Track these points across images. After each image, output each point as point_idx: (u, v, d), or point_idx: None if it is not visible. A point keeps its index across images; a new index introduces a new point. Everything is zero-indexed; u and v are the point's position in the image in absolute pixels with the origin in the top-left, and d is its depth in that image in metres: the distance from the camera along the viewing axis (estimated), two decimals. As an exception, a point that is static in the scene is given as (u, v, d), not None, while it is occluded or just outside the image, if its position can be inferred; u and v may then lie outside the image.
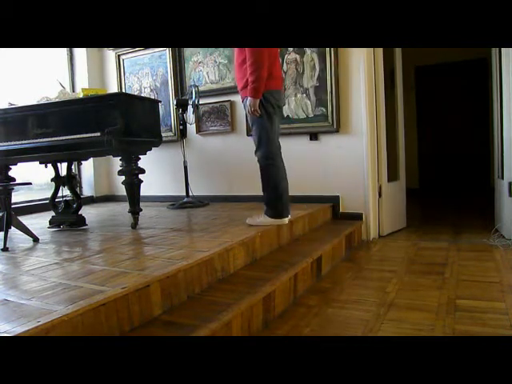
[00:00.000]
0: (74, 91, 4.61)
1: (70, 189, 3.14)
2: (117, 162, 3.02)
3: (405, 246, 3.24)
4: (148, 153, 3.06)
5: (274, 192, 2.63)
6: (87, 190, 4.86)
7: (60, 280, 1.72)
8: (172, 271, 1.78)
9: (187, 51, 4.26)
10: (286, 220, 2.68)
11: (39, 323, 1.25)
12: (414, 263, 2.79)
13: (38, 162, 3.18)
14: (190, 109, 3.94)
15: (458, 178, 6.30)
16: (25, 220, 2.80)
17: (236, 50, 2.65)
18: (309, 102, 3.66)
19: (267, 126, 2.60)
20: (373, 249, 3.27)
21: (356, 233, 3.40)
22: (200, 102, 4.01)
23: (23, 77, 4.23)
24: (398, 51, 3.78)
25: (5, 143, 2.90)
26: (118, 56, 4.67)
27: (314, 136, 3.68)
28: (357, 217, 3.53)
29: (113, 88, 4.75)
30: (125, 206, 3.44)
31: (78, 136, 2.71)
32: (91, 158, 4.32)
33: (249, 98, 2.53)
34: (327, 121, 3.59)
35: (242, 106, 2.77)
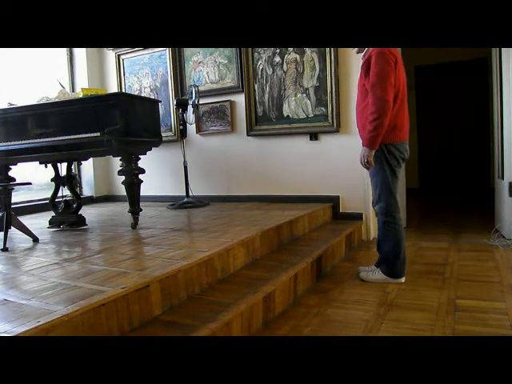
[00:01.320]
0: (73, 91, 4.61)
1: (69, 189, 3.14)
2: (117, 162, 3.02)
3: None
4: (148, 153, 3.06)
5: (393, 250, 2.40)
6: (87, 190, 4.86)
7: (60, 280, 1.72)
8: (172, 271, 1.78)
9: (187, 51, 4.26)
10: (403, 280, 2.43)
11: (39, 323, 1.25)
12: (413, 263, 2.79)
13: (37, 162, 3.18)
14: (190, 109, 3.94)
15: (458, 178, 6.30)
16: (25, 220, 2.80)
17: (358, 93, 2.47)
18: (309, 101, 3.66)
19: (389, 181, 2.36)
20: (373, 249, 3.25)
21: (356, 233, 3.40)
22: (200, 102, 4.01)
23: (23, 77, 4.23)
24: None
25: (5, 143, 2.90)
26: (118, 56, 4.67)
27: (314, 136, 3.68)
28: (357, 217, 3.53)
29: (113, 88, 4.75)
30: (125, 206, 3.44)
31: (77, 136, 2.71)
32: (91, 158, 4.32)
33: (364, 148, 2.31)
34: (327, 121, 3.59)
35: None
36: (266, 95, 3.85)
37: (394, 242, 2.40)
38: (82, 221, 3.04)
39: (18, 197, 4.01)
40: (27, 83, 4.19)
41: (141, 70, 4.58)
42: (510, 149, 3.11)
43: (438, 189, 6.37)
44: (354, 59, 3.45)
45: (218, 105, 4.13)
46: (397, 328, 1.82)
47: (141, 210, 2.93)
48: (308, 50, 3.63)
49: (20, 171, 3.24)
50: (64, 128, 2.78)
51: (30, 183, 2.97)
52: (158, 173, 4.47)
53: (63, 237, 2.76)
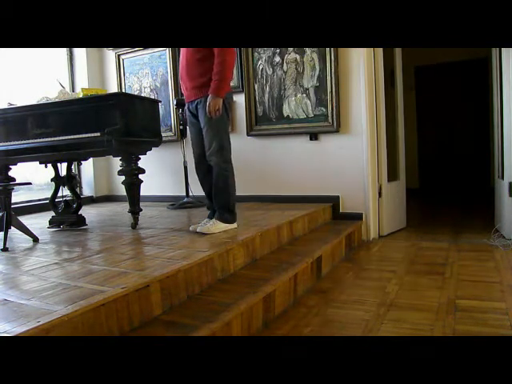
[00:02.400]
0: (73, 91, 4.61)
1: (69, 189, 3.14)
2: (117, 162, 3.02)
3: (405, 246, 3.24)
4: (148, 153, 3.06)
5: (233, 197, 2.58)
6: (87, 190, 4.86)
7: (60, 280, 1.72)
8: (172, 271, 1.78)
9: (187, 51, 4.26)
10: (236, 225, 2.63)
11: (39, 323, 1.25)
12: (413, 263, 2.79)
13: (38, 162, 3.18)
14: (190, 109, 3.93)
15: (458, 178, 6.29)
16: (25, 220, 2.80)
17: (187, 54, 2.50)
18: (309, 101, 3.66)
19: (226, 129, 2.55)
20: (373, 249, 3.26)
21: (356, 233, 3.40)
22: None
23: (23, 77, 4.23)
24: (397, 51, 3.78)
25: (5, 143, 2.90)
26: (118, 56, 4.67)
27: (313, 136, 3.68)
28: (357, 217, 3.53)
29: (113, 88, 4.75)
30: (125, 206, 3.44)
31: (77, 136, 2.71)
32: (91, 158, 4.32)
33: (212, 97, 2.38)
34: (327, 121, 3.59)
35: (189, 108, 2.61)
36: (266, 95, 3.85)
37: (232, 188, 2.58)
38: (81, 221, 3.04)
39: (18, 197, 4.01)
40: (27, 83, 4.19)
41: (141, 70, 4.58)
42: (510, 149, 3.11)
43: (438, 189, 6.36)
44: (354, 59, 3.45)
45: (218, 105, 4.12)
46: (397, 328, 1.82)
47: (141, 209, 2.93)
48: (308, 50, 3.63)
49: (20, 171, 3.24)
50: (64, 128, 2.78)
51: (30, 183, 2.97)
52: (158, 173, 4.47)
53: (63, 237, 2.76)
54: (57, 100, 2.95)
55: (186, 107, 2.69)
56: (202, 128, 2.53)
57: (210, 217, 2.66)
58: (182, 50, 2.58)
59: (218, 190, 2.57)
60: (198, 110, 2.52)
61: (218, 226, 2.53)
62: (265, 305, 1.92)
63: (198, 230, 2.56)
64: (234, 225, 2.62)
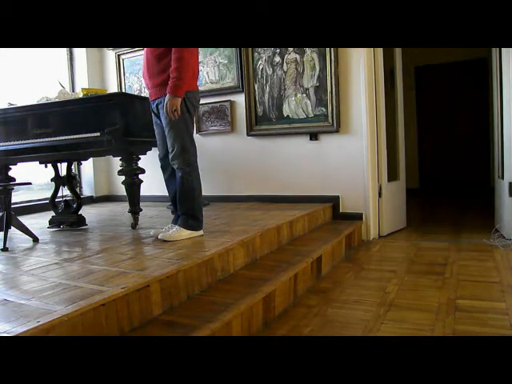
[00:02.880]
0: (73, 91, 4.61)
1: (69, 189, 3.14)
2: (117, 162, 3.02)
3: (405, 246, 3.24)
4: (148, 153, 3.06)
5: (198, 202, 2.42)
6: (87, 190, 4.86)
7: (60, 280, 1.72)
8: (172, 271, 1.78)
9: (187, 51, 4.26)
10: (202, 232, 2.48)
11: (39, 323, 1.25)
12: (413, 263, 2.79)
13: (37, 162, 3.18)
14: (190, 109, 3.93)
15: (458, 178, 6.29)
16: (25, 220, 2.80)
17: (149, 53, 2.40)
18: (309, 101, 3.66)
19: (189, 130, 2.39)
20: (373, 249, 3.26)
21: (356, 233, 3.40)
22: (200, 102, 4.00)
23: (23, 77, 4.23)
24: (397, 51, 3.78)
25: (5, 143, 2.90)
26: (118, 56, 4.67)
27: (313, 136, 3.68)
28: (357, 217, 3.53)
29: (113, 88, 4.75)
30: (125, 206, 3.44)
31: (77, 136, 2.71)
32: (91, 158, 4.31)
33: (168, 97, 2.24)
34: (327, 121, 3.59)
35: (151, 107, 2.47)
36: (266, 95, 3.85)
37: (198, 192, 2.42)
38: (81, 221, 3.04)
39: (18, 197, 4.01)
40: (27, 83, 4.19)
41: (141, 70, 4.57)
42: (510, 149, 3.11)
43: (438, 189, 6.36)
44: (354, 59, 3.45)
45: (217, 105, 4.13)
46: (397, 328, 1.82)
47: (141, 209, 2.93)
48: (308, 50, 3.63)
49: (20, 171, 3.24)
50: (64, 128, 2.78)
51: (30, 183, 2.97)
52: (158, 173, 4.45)
53: (63, 237, 2.76)
54: (57, 100, 2.95)
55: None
56: (164, 129, 2.41)
57: (174, 222, 2.51)
58: (145, 49, 2.46)
59: (181, 195, 2.43)
60: (159, 110, 2.39)
61: (180, 234, 2.39)
62: (265, 305, 1.92)
63: (159, 237, 2.41)
64: (200, 232, 2.46)
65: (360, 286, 2.42)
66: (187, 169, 2.39)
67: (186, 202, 2.42)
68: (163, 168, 2.63)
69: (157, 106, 2.41)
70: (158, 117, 2.46)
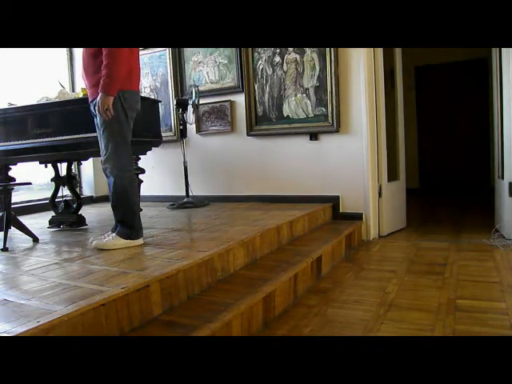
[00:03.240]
0: (73, 91, 4.61)
1: (69, 189, 3.14)
2: (117, 162, 3.01)
3: (405, 246, 3.24)
4: (148, 153, 3.06)
5: (131, 209, 2.26)
6: (87, 190, 4.86)
7: (60, 280, 1.72)
8: (172, 271, 1.78)
9: (187, 51, 4.26)
10: (142, 241, 2.33)
11: (39, 323, 1.25)
12: (413, 263, 2.79)
13: (37, 162, 3.18)
14: (190, 109, 3.94)
15: (458, 178, 6.29)
16: (25, 220, 2.80)
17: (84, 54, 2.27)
18: (309, 101, 3.66)
19: (124, 132, 2.23)
20: (373, 249, 3.26)
21: (356, 233, 3.40)
22: (200, 102, 4.01)
23: (23, 77, 4.23)
24: (397, 51, 3.78)
25: (5, 143, 2.90)
26: (118, 56, 4.66)
27: (313, 136, 3.68)
28: (357, 217, 3.53)
29: (113, 88, 4.74)
30: (125, 206, 3.43)
31: (77, 136, 2.71)
32: (91, 158, 4.31)
33: (100, 95, 2.11)
34: (327, 121, 3.58)
35: (91, 108, 2.32)
36: (266, 95, 3.85)
37: (131, 200, 2.26)
38: (81, 221, 3.04)
39: (18, 197, 4.01)
40: (27, 83, 4.19)
41: (141, 70, 4.57)
42: (510, 149, 3.11)
43: (438, 189, 6.36)
44: (354, 59, 3.45)
45: (217, 105, 4.13)
46: (397, 328, 1.82)
47: (141, 210, 2.92)
48: (308, 50, 3.63)
49: (20, 171, 3.24)
50: (64, 128, 2.78)
51: (30, 183, 2.97)
52: (158, 173, 4.47)
53: (63, 237, 2.76)
54: (57, 100, 2.95)
55: None
56: (98, 131, 2.29)
57: (113, 230, 2.35)
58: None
59: (114, 202, 2.28)
60: (96, 110, 2.23)
61: (115, 242, 2.25)
62: (265, 305, 1.92)
63: (92, 245, 2.30)
64: (138, 241, 2.30)
65: (360, 285, 2.42)
66: (119, 173, 2.23)
67: (119, 209, 2.28)
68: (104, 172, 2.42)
69: (94, 106, 2.24)
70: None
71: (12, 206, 2.64)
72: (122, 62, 2.12)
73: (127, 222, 2.27)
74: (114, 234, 2.29)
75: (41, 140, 2.80)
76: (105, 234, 2.38)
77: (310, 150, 3.72)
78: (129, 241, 2.27)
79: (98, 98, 2.13)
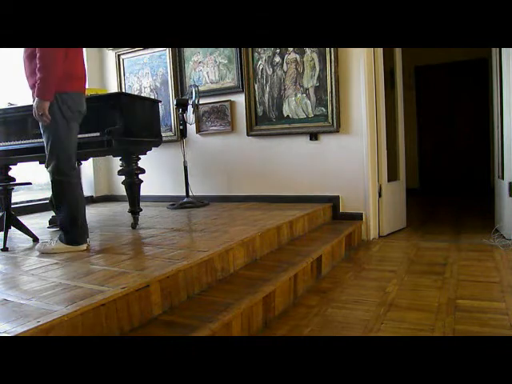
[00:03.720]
0: (73, 91, 4.60)
1: (69, 189, 3.13)
2: (117, 162, 3.02)
3: (405, 246, 3.24)
4: (148, 153, 3.06)
5: (70, 215, 2.19)
6: (87, 190, 4.86)
7: (60, 280, 1.72)
8: (172, 271, 1.78)
9: (187, 51, 4.26)
10: (84, 247, 2.26)
11: (39, 323, 1.25)
12: (413, 263, 2.79)
13: (38, 162, 3.18)
14: (190, 109, 3.94)
15: (458, 178, 6.29)
16: (25, 220, 2.80)
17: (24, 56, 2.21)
18: (309, 101, 3.66)
19: (62, 135, 2.16)
20: (373, 249, 3.26)
21: (356, 233, 3.40)
22: (200, 102, 4.01)
23: (23, 77, 4.22)
24: (397, 51, 3.78)
25: (5, 143, 2.90)
26: (118, 56, 4.67)
27: (313, 136, 3.68)
28: (357, 217, 3.53)
29: (113, 88, 4.75)
30: (125, 206, 3.44)
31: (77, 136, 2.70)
32: (91, 158, 4.32)
33: (36, 100, 2.06)
34: (327, 121, 3.59)
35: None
36: (266, 95, 3.85)
37: (70, 206, 2.19)
38: (81, 221, 3.04)
39: (18, 197, 4.01)
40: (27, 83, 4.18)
41: (141, 70, 4.58)
42: (510, 149, 3.11)
43: (438, 189, 6.36)
44: (354, 59, 3.45)
45: (218, 105, 4.13)
46: (397, 328, 1.82)
47: (141, 209, 2.93)
48: (308, 50, 3.63)
49: (20, 171, 3.24)
50: (64, 128, 2.77)
51: (30, 183, 2.97)
52: (158, 173, 4.47)
53: (63, 237, 2.76)
54: (57, 100, 2.95)
55: None
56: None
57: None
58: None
59: (55, 205, 2.24)
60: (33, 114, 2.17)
61: (54, 247, 2.21)
62: (265, 305, 1.92)
63: (35, 249, 2.28)
64: (80, 247, 2.24)
65: (360, 285, 2.42)
66: (56, 177, 2.18)
67: (59, 213, 2.24)
68: None
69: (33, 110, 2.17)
70: None
71: (12, 206, 2.64)
72: (55, 64, 2.03)
73: (64, 226, 2.22)
74: (55, 239, 2.26)
75: (41, 140, 2.79)
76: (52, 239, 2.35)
77: (310, 150, 3.72)
78: (68, 246, 2.22)
79: (34, 103, 2.09)
